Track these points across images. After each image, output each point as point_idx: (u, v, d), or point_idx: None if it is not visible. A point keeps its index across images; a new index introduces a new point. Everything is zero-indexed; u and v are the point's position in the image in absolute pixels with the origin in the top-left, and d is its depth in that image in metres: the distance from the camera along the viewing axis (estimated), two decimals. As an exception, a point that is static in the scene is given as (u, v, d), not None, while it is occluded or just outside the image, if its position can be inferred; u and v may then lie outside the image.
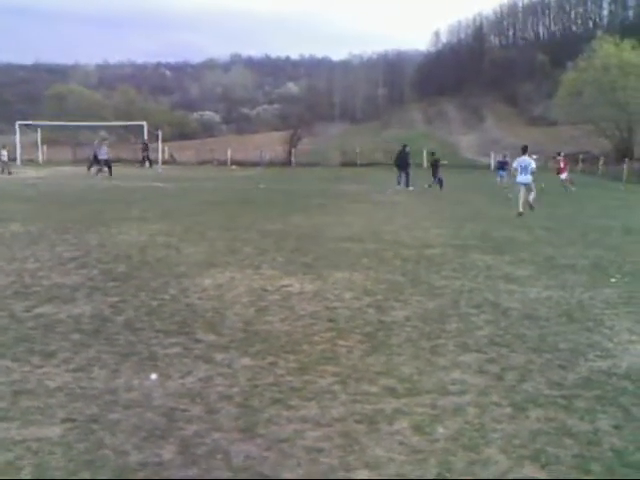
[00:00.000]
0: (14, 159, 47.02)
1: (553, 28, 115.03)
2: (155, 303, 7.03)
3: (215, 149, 59.36)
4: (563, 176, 28.40)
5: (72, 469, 3.42)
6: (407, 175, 27.99)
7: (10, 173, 33.43)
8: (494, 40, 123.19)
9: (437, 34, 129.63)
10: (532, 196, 17.47)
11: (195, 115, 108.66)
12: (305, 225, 14.29)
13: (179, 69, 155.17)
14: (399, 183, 28.02)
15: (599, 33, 67.38)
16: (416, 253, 10.61)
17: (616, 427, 4.05)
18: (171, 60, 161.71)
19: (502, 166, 31.09)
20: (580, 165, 47.49)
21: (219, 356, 5.29)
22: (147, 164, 45.43)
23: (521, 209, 17.11)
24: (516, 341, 5.83)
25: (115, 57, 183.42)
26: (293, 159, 56.59)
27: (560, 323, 6.50)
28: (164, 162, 48.75)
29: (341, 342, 5.73)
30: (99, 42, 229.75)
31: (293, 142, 61.13)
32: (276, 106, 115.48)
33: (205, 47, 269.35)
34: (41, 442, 3.71)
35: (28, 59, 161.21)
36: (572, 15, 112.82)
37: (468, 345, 5.68)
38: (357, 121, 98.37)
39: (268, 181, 32.37)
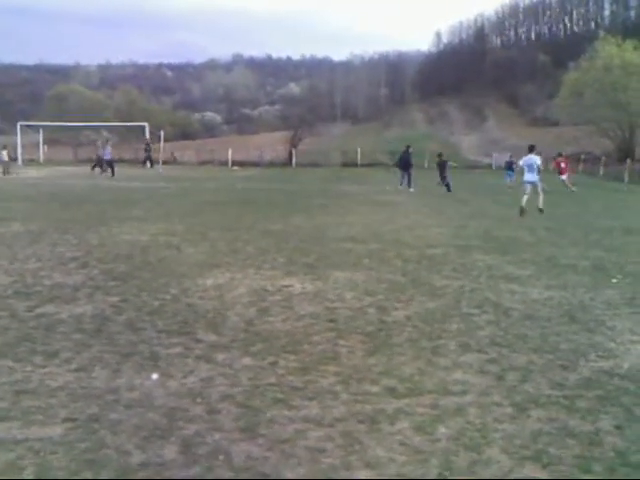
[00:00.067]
0: (15, 159, 47.09)
1: (555, 28, 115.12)
2: (156, 303, 7.03)
3: (216, 149, 59.42)
4: (564, 177, 28.39)
5: (74, 469, 3.43)
6: (409, 176, 27.98)
7: (9, 173, 33.36)
8: (495, 40, 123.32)
9: (438, 34, 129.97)
10: (541, 198, 17.42)
11: (197, 115, 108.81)
12: (306, 225, 14.29)
13: (181, 69, 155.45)
14: (402, 184, 28.00)
15: (601, 33, 67.46)
16: (417, 253, 10.61)
17: (618, 427, 4.05)
18: (173, 60, 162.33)
19: (510, 166, 31.08)
20: (582, 165, 47.48)
21: (220, 356, 5.29)
22: (148, 164, 45.51)
23: (523, 204, 17.22)
24: (517, 341, 5.83)
25: (117, 57, 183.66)
26: (294, 159, 56.60)
27: (561, 323, 6.49)
28: (165, 162, 48.76)
29: (342, 342, 5.73)
30: (101, 42, 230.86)
31: (294, 142, 61.18)
32: (277, 106, 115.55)
33: (207, 47, 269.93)
34: (43, 442, 3.72)
35: (30, 59, 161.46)
36: (574, 15, 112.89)
37: (469, 345, 5.68)
38: (358, 121, 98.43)
39: (269, 181, 32.38)
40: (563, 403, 4.41)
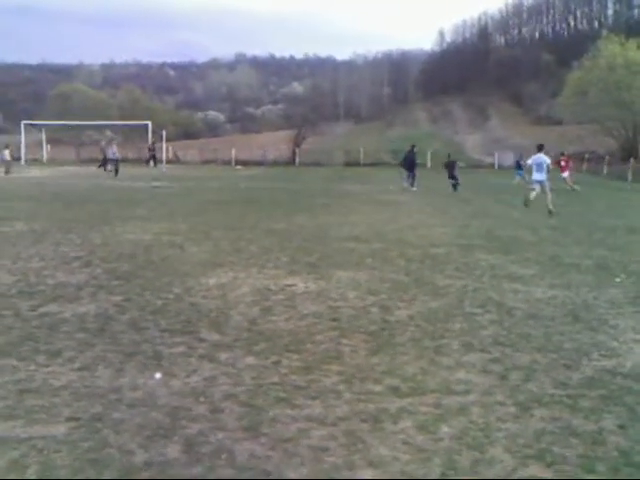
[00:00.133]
0: (18, 158, 47.18)
1: (558, 27, 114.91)
2: (160, 302, 7.04)
3: (219, 149, 59.56)
4: (565, 175, 28.34)
5: (77, 467, 3.43)
6: (413, 175, 27.94)
7: (10, 173, 33.37)
8: (499, 39, 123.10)
9: (442, 33, 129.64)
10: (549, 198, 17.37)
11: (200, 115, 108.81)
12: (309, 225, 14.29)
13: (184, 69, 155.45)
14: (406, 183, 27.90)
15: (604, 32, 67.32)
16: (420, 253, 10.60)
17: (621, 427, 4.04)
18: (176, 60, 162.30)
19: (520, 165, 31.05)
20: (585, 164, 47.40)
21: (223, 355, 5.29)
22: (152, 163, 45.64)
23: (531, 198, 17.39)
24: (520, 341, 5.82)
25: (120, 57, 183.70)
26: (297, 159, 56.65)
27: (565, 323, 6.49)
28: (168, 161, 48.84)
29: (345, 341, 5.73)
30: (104, 42, 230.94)
31: (297, 142, 61.22)
32: (280, 106, 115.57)
33: (210, 47, 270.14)
34: (46, 440, 3.72)
35: (33, 59, 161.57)
36: (577, 14, 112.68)
37: (472, 345, 5.67)
38: (361, 121, 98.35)
39: (272, 181, 32.40)
40: (566, 402, 4.41)
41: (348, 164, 53.91)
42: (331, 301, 7.22)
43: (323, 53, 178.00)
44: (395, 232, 13.17)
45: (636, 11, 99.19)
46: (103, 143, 41.81)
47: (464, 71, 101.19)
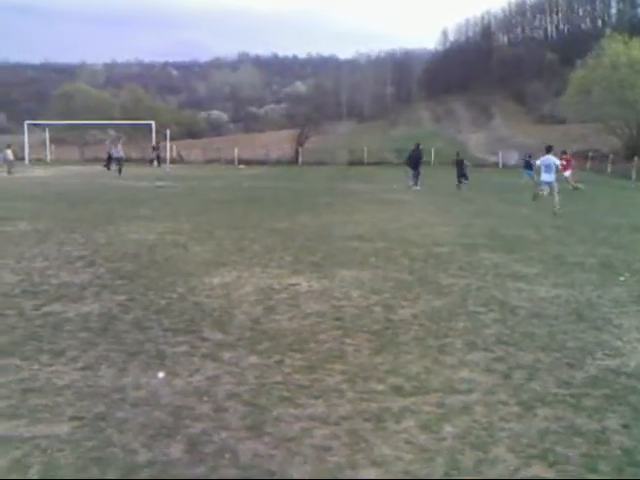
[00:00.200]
0: (22, 158, 47.26)
1: (562, 26, 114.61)
2: (163, 302, 7.04)
3: (222, 148, 59.54)
4: (566, 174, 28.28)
5: (80, 467, 3.44)
6: (417, 174, 27.89)
7: (12, 172, 33.39)
8: (502, 38, 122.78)
9: (445, 32, 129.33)
10: (556, 199, 17.34)
11: (203, 114, 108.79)
12: (312, 224, 14.29)
13: (186, 68, 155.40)
14: (411, 182, 27.81)
15: (608, 31, 67.03)
16: (424, 252, 10.59)
17: (625, 426, 4.03)
18: (178, 59, 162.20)
19: (529, 165, 31.00)
20: (589, 163, 47.32)
21: (226, 354, 5.30)
22: (155, 163, 45.67)
23: (540, 192, 17.55)
24: (524, 340, 5.81)
25: (122, 56, 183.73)
26: (300, 158, 56.62)
27: (569, 322, 6.48)
28: (172, 161, 48.89)
29: (348, 340, 5.73)
30: (106, 41, 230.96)
31: (300, 141, 61.17)
32: (284, 105, 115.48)
33: (212, 46, 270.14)
34: (50, 440, 3.73)
35: (36, 58, 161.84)
36: (580, 13, 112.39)
37: (476, 344, 5.67)
38: (365, 120, 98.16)
39: (275, 180, 32.41)
40: (570, 402, 4.40)
41: (352, 163, 53.85)
42: (334, 300, 7.22)
43: (326, 52, 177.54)
44: (398, 231, 13.16)
45: (639, 10, 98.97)
46: (108, 142, 41.85)
47: (467, 70, 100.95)
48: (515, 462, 3.55)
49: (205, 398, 4.39)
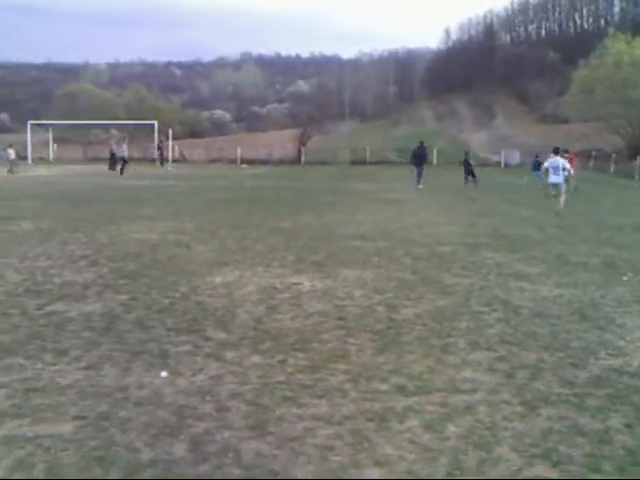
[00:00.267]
0: (25, 157, 47.32)
1: (564, 25, 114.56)
2: (166, 301, 7.05)
3: (225, 147, 59.57)
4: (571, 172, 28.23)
5: (84, 466, 3.44)
6: (420, 173, 27.83)
7: (12, 172, 33.39)
8: (505, 37, 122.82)
9: (447, 31, 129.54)
10: (562, 200, 17.35)
11: (205, 114, 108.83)
12: (315, 223, 14.29)
13: (189, 68, 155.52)
14: (419, 179, 27.69)
15: (611, 30, 67.10)
16: (427, 251, 10.59)
17: (628, 426, 4.03)
18: (181, 59, 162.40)
19: (538, 166, 30.98)
20: (592, 162, 47.26)
21: (229, 354, 5.30)
22: (158, 163, 45.81)
23: (551, 193, 17.69)
24: (527, 339, 5.81)
25: (126, 56, 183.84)
26: (303, 157, 56.62)
27: (572, 321, 6.47)
28: (175, 160, 48.95)
29: (351, 340, 5.72)
30: (109, 41, 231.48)
31: (303, 140, 61.16)
32: (286, 104, 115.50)
33: (215, 46, 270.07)
34: (53, 439, 3.73)
35: (40, 58, 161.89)
36: (583, 12, 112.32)
37: (479, 343, 5.66)
38: (367, 119, 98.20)
39: (277, 179, 32.41)
40: (573, 401, 4.39)
41: (354, 163, 53.83)
42: (337, 300, 7.22)
43: (329, 52, 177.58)
44: (401, 230, 13.15)
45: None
46: (113, 141, 41.94)
47: (470, 69, 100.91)
48: (518, 462, 3.55)
49: (208, 397, 4.39)
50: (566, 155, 29.13)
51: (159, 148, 47.82)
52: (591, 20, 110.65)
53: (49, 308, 6.67)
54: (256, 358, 5.21)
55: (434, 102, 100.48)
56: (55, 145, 57.36)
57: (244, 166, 50.00)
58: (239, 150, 55.59)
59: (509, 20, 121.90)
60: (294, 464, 3.51)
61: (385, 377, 4.80)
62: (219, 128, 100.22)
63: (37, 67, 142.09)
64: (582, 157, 36.87)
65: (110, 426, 3.92)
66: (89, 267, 8.92)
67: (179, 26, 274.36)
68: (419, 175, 27.66)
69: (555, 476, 3.43)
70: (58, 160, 53.13)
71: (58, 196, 20.98)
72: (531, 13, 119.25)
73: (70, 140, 64.38)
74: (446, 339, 5.79)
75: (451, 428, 3.95)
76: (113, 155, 37.84)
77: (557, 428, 3.97)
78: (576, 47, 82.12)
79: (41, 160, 51.20)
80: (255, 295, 7.38)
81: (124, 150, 36.20)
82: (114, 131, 71.52)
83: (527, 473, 3.44)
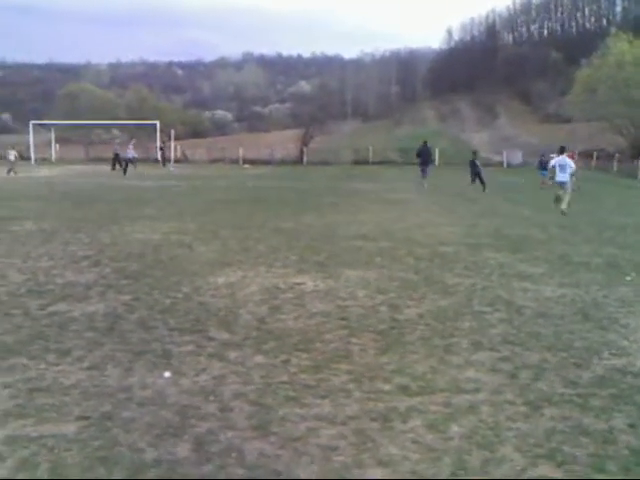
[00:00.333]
0: (28, 158, 47.34)
1: (566, 25, 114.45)
2: (168, 301, 7.05)
3: (227, 147, 59.56)
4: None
5: (87, 466, 3.44)
6: (423, 171, 27.81)
7: (10, 173, 33.36)
8: (507, 37, 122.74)
9: (450, 31, 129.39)
10: (566, 200, 17.36)
11: (207, 114, 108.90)
12: (317, 223, 14.28)
13: (191, 68, 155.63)
14: (424, 178, 27.61)
15: (613, 30, 67.01)
16: (429, 251, 10.58)
17: (631, 426, 4.02)
18: (183, 59, 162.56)
19: (544, 165, 30.93)
20: (595, 162, 47.23)
21: (232, 354, 5.30)
22: (160, 163, 45.88)
23: (563, 206, 17.50)
24: (530, 339, 5.80)
25: (127, 56, 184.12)
26: (305, 157, 56.60)
27: (575, 321, 6.46)
28: (177, 161, 48.97)
29: (354, 340, 5.72)
30: (110, 41, 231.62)
31: (305, 140, 61.15)
32: (288, 104, 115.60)
33: (217, 46, 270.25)
34: (57, 439, 3.74)
35: (41, 58, 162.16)
36: (586, 12, 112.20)
37: (482, 343, 5.66)
38: (369, 119, 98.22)
39: (279, 179, 32.42)
40: (577, 401, 4.39)
41: (356, 163, 53.81)
42: (340, 300, 7.22)
43: (331, 52, 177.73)
44: (403, 231, 13.15)
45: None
46: (116, 142, 41.99)
47: (472, 69, 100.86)
48: (522, 462, 3.54)
49: (211, 398, 4.39)
50: (553, 155, 29.15)
51: (161, 148, 47.90)
52: (593, 20, 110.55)
53: (52, 308, 6.68)
54: (259, 358, 5.21)
55: (436, 102, 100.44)
56: (57, 145, 57.39)
57: (246, 166, 49.99)
58: (241, 150, 55.59)
59: (511, 20, 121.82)
60: (297, 464, 3.51)
61: (388, 377, 4.80)
62: (221, 128, 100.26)
63: (39, 67, 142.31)
64: (585, 157, 36.85)
65: (113, 426, 3.93)
66: (91, 267, 8.93)
67: (181, 26, 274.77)
68: (423, 172, 27.65)
69: (559, 476, 3.43)
70: (60, 160, 53.15)
71: (60, 196, 21.00)
72: (533, 13, 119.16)
73: (72, 140, 64.44)
74: (449, 339, 5.78)
75: (454, 428, 3.95)
76: (117, 155, 37.85)
77: (561, 428, 3.97)
78: (578, 47, 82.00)
79: (44, 160, 51.22)
80: (258, 295, 7.38)
81: (131, 151, 36.21)
82: (116, 131, 71.65)
83: (531, 473, 3.44)
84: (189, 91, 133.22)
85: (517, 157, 55.55)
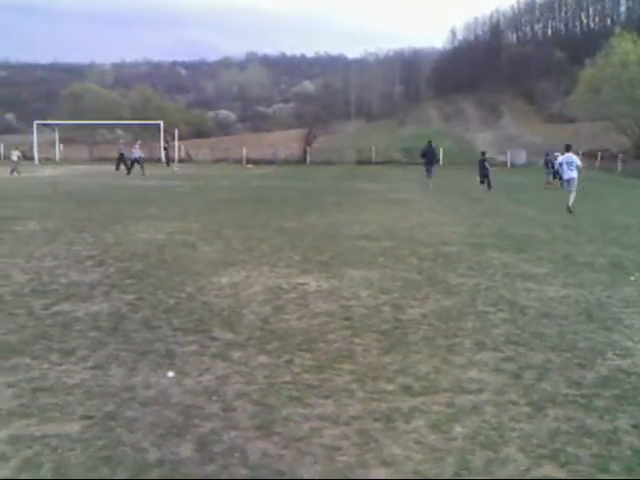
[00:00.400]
0: (32, 158, 47.44)
1: (570, 24, 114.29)
2: (172, 301, 7.06)
3: (230, 147, 59.64)
4: None
5: (91, 466, 3.45)
6: (428, 170, 27.79)
7: (14, 173, 33.41)
8: (511, 37, 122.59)
9: (453, 31, 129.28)
10: (572, 197, 17.42)
11: (211, 114, 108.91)
12: (321, 223, 14.28)
13: (195, 68, 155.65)
14: (430, 178, 27.57)
15: (617, 30, 66.83)
16: (432, 251, 10.57)
17: (635, 426, 4.01)
18: (187, 59, 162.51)
19: (549, 164, 30.87)
20: (599, 162, 47.15)
21: (236, 354, 5.30)
22: (164, 162, 45.96)
23: (571, 202, 17.68)
24: (534, 340, 5.79)
25: (130, 56, 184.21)
26: (308, 157, 56.64)
27: (579, 322, 6.45)
28: (180, 160, 49.02)
29: (357, 340, 5.72)
30: (113, 40, 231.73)
31: (308, 140, 61.17)
32: (292, 104, 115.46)
33: (221, 45, 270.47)
34: (60, 439, 3.74)
35: (45, 58, 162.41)
36: (590, 11, 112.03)
37: (485, 343, 5.65)
38: (373, 119, 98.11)
39: (283, 179, 32.42)
40: (581, 402, 4.38)
41: (360, 162, 53.82)
42: (343, 300, 7.21)
43: (334, 51, 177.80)
44: (407, 230, 13.14)
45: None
46: (121, 142, 42.02)
47: (476, 69, 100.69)
48: (526, 462, 3.54)
49: (214, 397, 4.39)
50: (557, 154, 29.12)
51: (165, 148, 47.99)
52: (597, 19, 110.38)
53: (55, 308, 6.69)
54: (262, 358, 5.22)
55: (440, 102, 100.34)
56: (61, 145, 57.51)
57: (249, 166, 50.03)
58: (244, 150, 55.65)
59: (515, 19, 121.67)
60: (300, 464, 3.51)
61: (391, 377, 4.80)
62: (224, 128, 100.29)
63: (43, 67, 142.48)
64: (589, 156, 36.77)
65: (117, 426, 3.93)
66: (95, 267, 8.94)
67: (181, 25, 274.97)
68: (428, 172, 27.63)
69: (563, 476, 3.42)
70: (64, 160, 53.26)
71: (64, 196, 21.03)
72: (537, 12, 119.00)
73: (76, 140, 64.56)
74: (452, 339, 5.78)
75: (458, 428, 3.95)
76: (122, 155, 37.88)
77: (564, 429, 3.96)
78: (582, 46, 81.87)
79: (47, 160, 51.33)
80: (261, 295, 7.38)
81: (137, 151, 36.24)
82: (119, 131, 71.71)
83: (535, 473, 3.43)
84: (193, 91, 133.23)
85: (521, 157, 55.49)
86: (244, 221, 14.42)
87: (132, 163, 35.50)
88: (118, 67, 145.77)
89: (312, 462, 3.53)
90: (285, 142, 63.53)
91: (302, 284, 7.97)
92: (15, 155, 35.08)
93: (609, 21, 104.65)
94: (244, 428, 3.93)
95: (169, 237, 11.75)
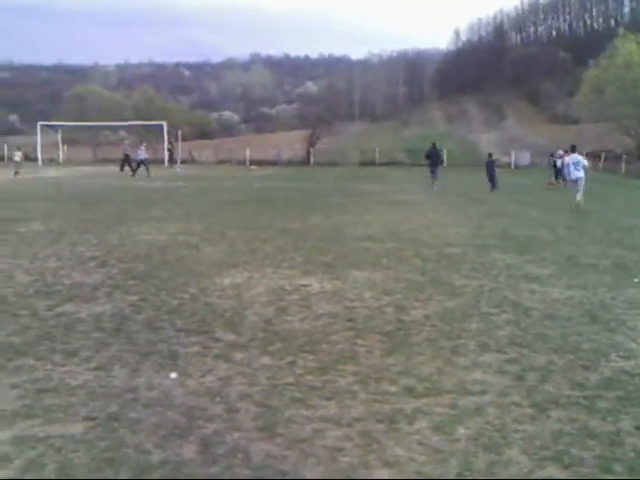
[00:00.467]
0: (35, 159, 47.53)
1: (574, 25, 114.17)
2: (175, 302, 7.06)
3: (234, 149, 59.60)
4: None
5: (94, 467, 3.45)
6: (432, 172, 27.76)
7: (17, 174, 33.48)
8: (515, 37, 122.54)
9: (457, 32, 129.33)
10: (579, 197, 17.52)
11: (214, 115, 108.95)
12: (324, 224, 14.28)
13: (198, 69, 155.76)
14: (434, 180, 27.52)
15: (621, 30, 66.74)
16: (436, 252, 10.56)
17: (638, 428, 4.01)
18: (190, 60, 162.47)
19: (554, 165, 30.82)
20: (602, 163, 47.06)
21: (239, 355, 5.30)
22: (168, 163, 46.01)
23: (578, 198, 17.92)
24: (537, 341, 5.78)
25: (134, 57, 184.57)
26: (312, 158, 56.62)
27: (582, 323, 6.44)
28: (183, 162, 49.05)
29: (360, 341, 5.72)
30: (116, 41, 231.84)
31: (312, 141, 61.15)
32: (295, 105, 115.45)
33: (224, 47, 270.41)
34: (64, 440, 3.75)
35: (49, 60, 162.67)
36: (593, 12, 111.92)
37: (489, 345, 5.65)
38: (376, 120, 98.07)
39: (286, 180, 32.43)
40: (584, 403, 4.37)
41: (363, 164, 53.81)
42: (346, 301, 7.21)
43: (338, 52, 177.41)
44: (410, 232, 13.13)
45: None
46: (126, 143, 42.09)
47: (480, 70, 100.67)
48: (529, 464, 3.53)
49: (217, 399, 4.40)
50: (560, 152, 29.11)
51: (169, 149, 48.05)
52: (601, 20, 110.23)
53: (59, 309, 6.70)
54: (265, 359, 5.22)
55: (444, 103, 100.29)
56: (65, 146, 57.62)
57: (253, 167, 50.04)
58: (248, 151, 55.63)
59: (519, 20, 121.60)
60: (304, 465, 3.51)
61: (394, 378, 4.80)
62: (228, 129, 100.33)
63: (46, 68, 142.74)
64: (592, 158, 36.69)
65: (120, 427, 3.94)
66: (99, 268, 8.95)
67: (181, 26, 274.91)
68: (433, 174, 27.56)
69: (566, 478, 3.41)
70: (68, 161, 53.37)
71: (68, 197, 21.08)
72: (541, 13, 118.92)
73: (79, 141, 64.72)
74: (456, 341, 5.77)
75: (461, 430, 3.94)
76: (127, 157, 37.92)
77: (568, 430, 3.96)
78: (586, 47, 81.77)
79: (51, 162, 51.42)
80: (264, 296, 7.38)
81: (142, 152, 36.27)
82: (123, 132, 71.79)
83: (538, 475, 3.43)
84: (196, 92, 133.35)
85: (525, 158, 55.37)
86: (247, 222, 14.43)
87: (138, 165, 35.57)
88: (122, 68, 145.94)
89: (315, 463, 3.53)
90: (288, 143, 63.51)
91: (305, 285, 7.97)
92: (17, 156, 35.17)
93: (613, 22, 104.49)
94: (247, 429, 3.93)
95: (172, 238, 11.77)
